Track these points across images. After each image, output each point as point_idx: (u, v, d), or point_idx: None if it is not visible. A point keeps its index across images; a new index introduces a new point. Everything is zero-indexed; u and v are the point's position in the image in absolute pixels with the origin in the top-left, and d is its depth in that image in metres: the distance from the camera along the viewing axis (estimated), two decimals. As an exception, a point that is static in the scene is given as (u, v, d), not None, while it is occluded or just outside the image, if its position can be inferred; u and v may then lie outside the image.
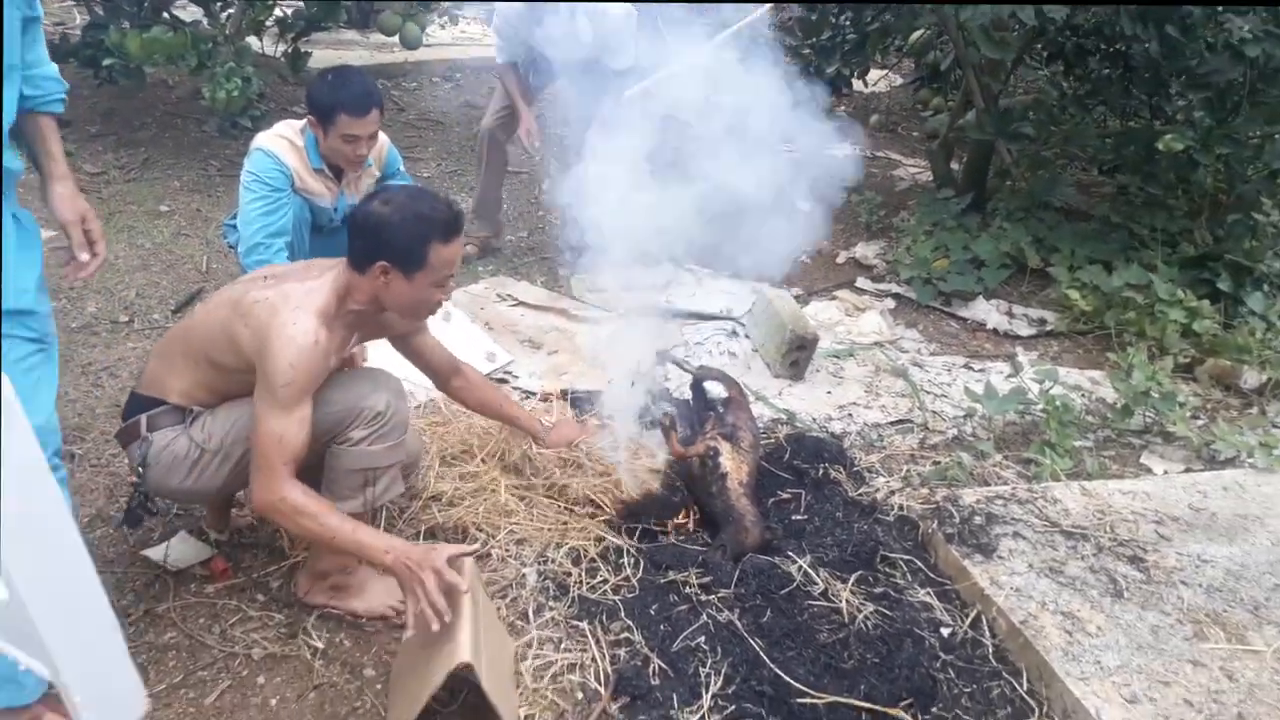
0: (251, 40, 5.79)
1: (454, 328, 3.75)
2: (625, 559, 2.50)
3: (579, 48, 4.19)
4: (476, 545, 2.46)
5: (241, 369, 2.07)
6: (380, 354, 2.81)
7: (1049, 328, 4.30)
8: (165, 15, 5.50)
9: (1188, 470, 3.20)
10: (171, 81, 6.24)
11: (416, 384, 3.16)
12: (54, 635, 0.85)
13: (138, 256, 4.20)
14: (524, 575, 2.44)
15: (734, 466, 2.66)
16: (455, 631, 1.90)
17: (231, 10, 5.56)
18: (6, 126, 1.76)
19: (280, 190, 3.12)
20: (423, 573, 1.91)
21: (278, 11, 5.89)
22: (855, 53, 6.18)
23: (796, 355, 3.62)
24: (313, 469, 2.16)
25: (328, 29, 6.71)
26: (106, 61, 5.03)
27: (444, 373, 2.58)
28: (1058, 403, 3.29)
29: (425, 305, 2.17)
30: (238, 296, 2.12)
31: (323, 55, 6.78)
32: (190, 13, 5.93)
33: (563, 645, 2.23)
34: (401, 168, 3.50)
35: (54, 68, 1.99)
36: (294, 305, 2.03)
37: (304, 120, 3.23)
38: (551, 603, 2.36)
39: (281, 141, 3.16)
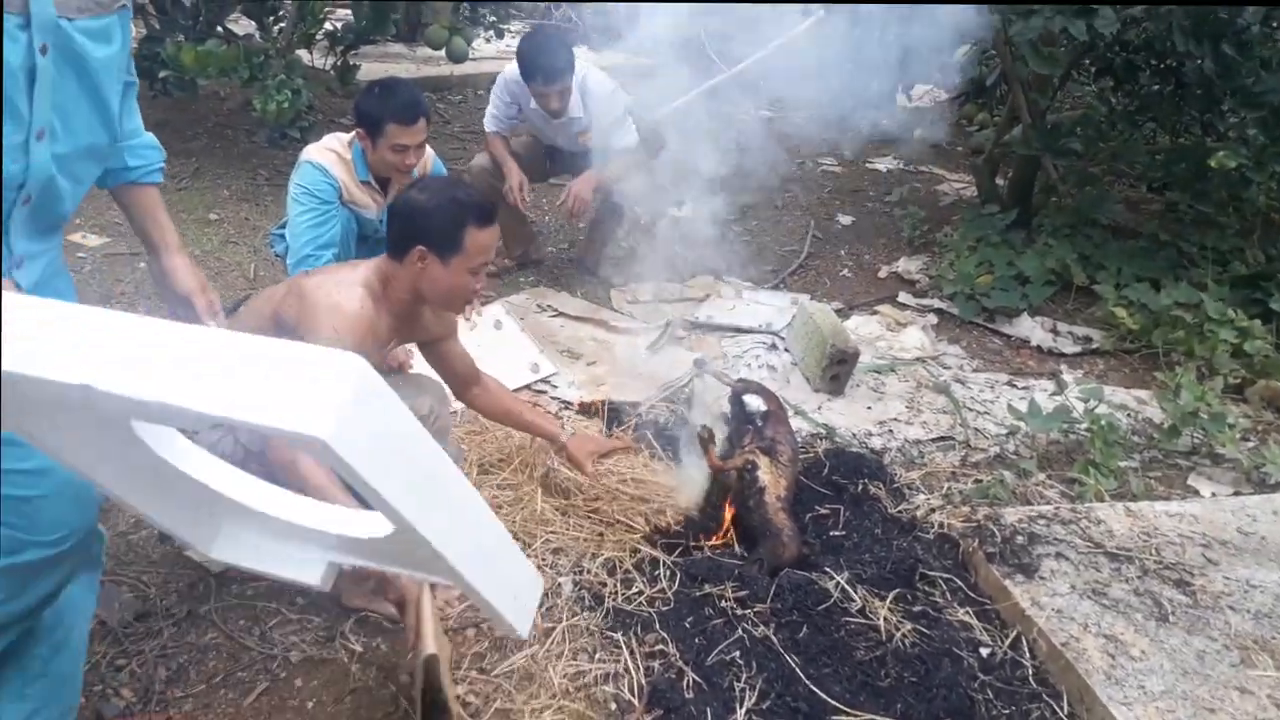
0: (302, 53, 5.89)
1: (505, 335, 3.78)
2: (661, 571, 2.50)
3: (573, 126, 4.23)
4: None
5: None
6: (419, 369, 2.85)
7: (1094, 346, 4.23)
8: (219, 29, 5.63)
9: (1237, 493, 3.13)
10: (224, 93, 6.37)
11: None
12: (462, 561, 0.96)
13: (188, 263, 4.28)
14: (560, 585, 2.44)
15: (772, 481, 2.65)
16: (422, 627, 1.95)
17: (283, 24, 5.67)
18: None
19: (329, 203, 3.17)
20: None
21: (328, 25, 6.00)
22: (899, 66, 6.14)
23: (837, 370, 3.60)
24: None
25: (376, 42, 6.82)
26: (162, 74, 5.15)
27: (465, 381, 2.60)
28: (1103, 422, 3.24)
29: (461, 292, 2.21)
30: (282, 292, 2.17)
31: (371, 68, 6.89)
32: (243, 26, 6.06)
33: (597, 655, 2.24)
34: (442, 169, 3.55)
35: (151, 136, 1.87)
36: (337, 281, 2.12)
37: (351, 134, 3.28)
38: (586, 613, 2.36)
39: (329, 154, 3.21)
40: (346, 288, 2.10)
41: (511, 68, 4.23)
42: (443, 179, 2.23)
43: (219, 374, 0.90)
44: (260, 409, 0.84)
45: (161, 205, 1.91)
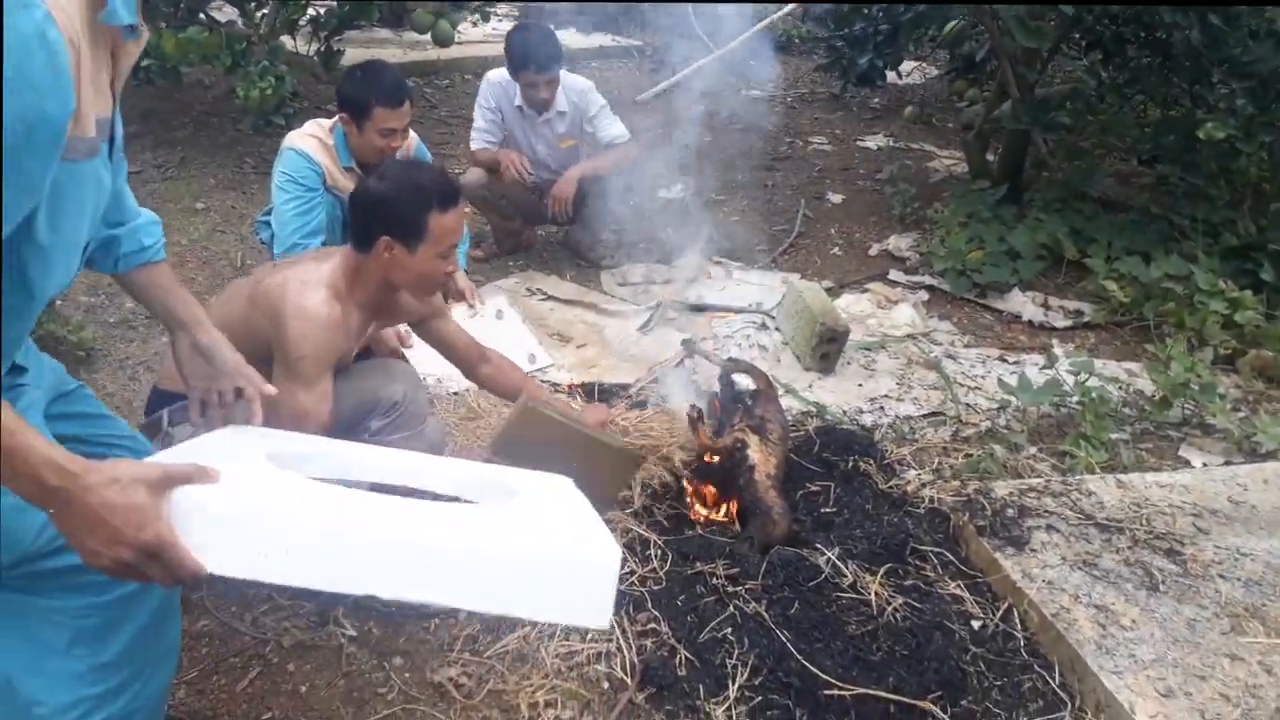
0: (285, 39, 5.84)
1: (506, 325, 3.77)
2: (652, 550, 2.50)
3: (555, 125, 4.25)
4: None
5: (261, 357, 2.09)
6: (420, 355, 2.85)
7: (1086, 319, 4.23)
8: (201, 16, 5.58)
9: (1228, 463, 3.13)
10: (208, 81, 6.33)
11: (448, 378, 3.20)
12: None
13: (174, 253, 4.26)
14: (551, 566, 2.44)
15: (762, 459, 2.64)
16: None
17: (265, 10, 5.62)
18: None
19: (313, 190, 3.15)
20: None
21: (311, 11, 5.95)
22: (888, 44, 6.12)
23: (827, 348, 3.59)
24: None
25: (360, 27, 6.77)
26: (144, 62, 5.10)
27: (471, 360, 2.59)
28: (1094, 395, 3.24)
29: (432, 278, 2.19)
30: (250, 289, 2.15)
31: (356, 54, 6.83)
32: (225, 13, 6.00)
33: (589, 635, 2.23)
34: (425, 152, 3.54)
35: (147, 211, 1.71)
36: (301, 281, 2.08)
37: (333, 119, 3.26)
38: (578, 593, 2.36)
39: (312, 140, 3.19)
40: (311, 289, 2.06)
41: (491, 73, 4.26)
42: (399, 163, 2.19)
43: (493, 571, 1.18)
44: (542, 609, 1.19)
45: (175, 278, 1.76)
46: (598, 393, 3.30)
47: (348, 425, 2.14)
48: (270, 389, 1.77)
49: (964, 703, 2.09)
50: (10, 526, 1.30)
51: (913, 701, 2.06)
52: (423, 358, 2.86)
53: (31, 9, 1.04)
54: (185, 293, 1.75)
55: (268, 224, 3.54)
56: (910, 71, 8.70)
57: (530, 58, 3.95)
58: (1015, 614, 2.35)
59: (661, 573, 2.42)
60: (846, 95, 7.77)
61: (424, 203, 2.07)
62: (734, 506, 2.70)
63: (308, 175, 3.16)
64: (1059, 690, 2.15)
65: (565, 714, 2.05)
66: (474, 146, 4.32)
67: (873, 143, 6.85)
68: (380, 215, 2.08)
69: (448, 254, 2.16)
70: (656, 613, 2.28)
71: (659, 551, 2.49)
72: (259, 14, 5.61)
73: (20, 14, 1.02)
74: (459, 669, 2.16)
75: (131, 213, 1.66)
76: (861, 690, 2.07)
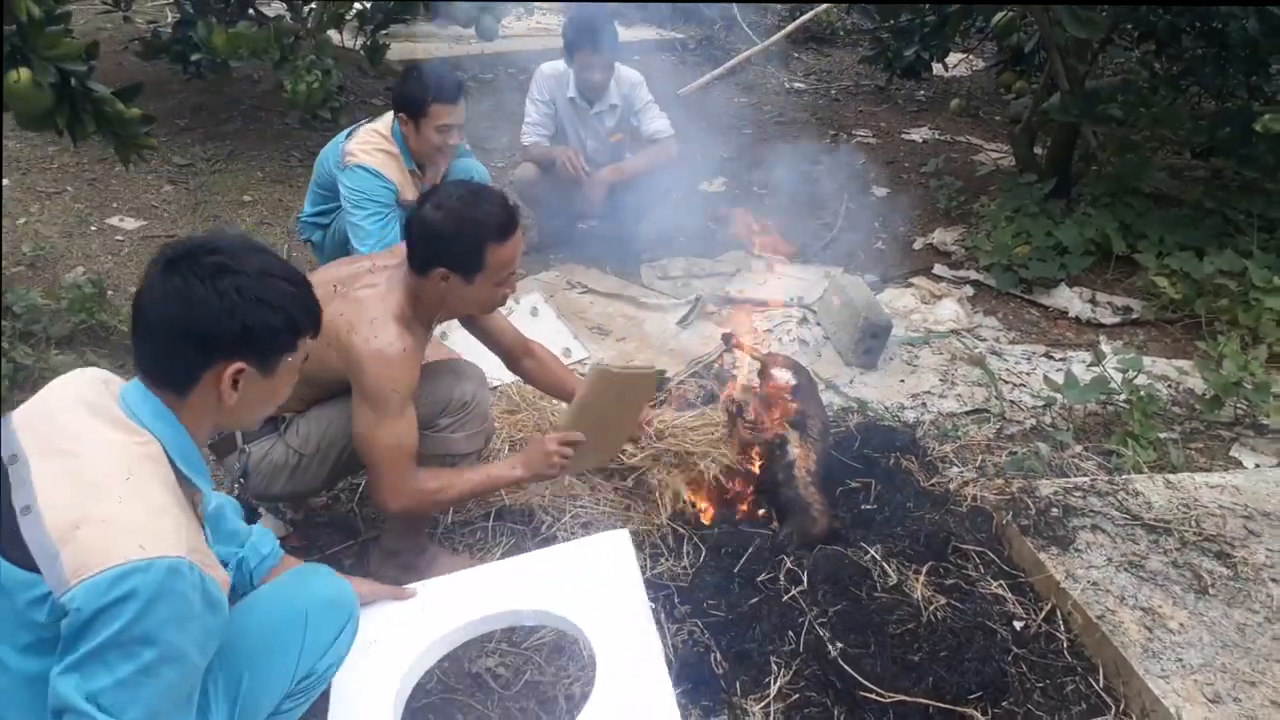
0: (332, 34, 5.89)
1: (541, 321, 3.79)
2: (689, 545, 2.49)
3: (606, 118, 4.25)
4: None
5: (330, 380, 2.13)
6: (458, 340, 2.86)
7: (1134, 316, 4.15)
8: (250, 11, 5.65)
9: (1281, 464, 3.06)
10: (256, 76, 6.41)
11: (487, 372, 3.21)
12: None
13: (222, 245, 4.33)
14: (589, 559, 2.45)
15: (802, 455, 2.63)
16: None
17: (313, 5, 5.68)
18: None
19: (389, 206, 3.18)
20: (549, 459, 2.24)
21: (357, 5, 6.00)
22: (934, 35, 6.03)
23: (869, 343, 3.56)
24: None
25: (406, 22, 6.81)
26: (194, 57, 5.19)
27: (515, 353, 2.59)
28: (1142, 393, 3.18)
29: (490, 302, 2.21)
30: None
31: (401, 48, 6.89)
32: (274, 8, 6.08)
33: (626, 629, 2.24)
34: (465, 147, 3.56)
35: (258, 527, 1.89)
36: (370, 318, 2.05)
37: (388, 123, 3.26)
38: (616, 587, 2.36)
39: (379, 155, 3.18)
40: (380, 327, 2.04)
41: (544, 66, 4.27)
42: (459, 191, 2.13)
43: None
44: None
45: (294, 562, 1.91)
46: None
47: (421, 427, 2.15)
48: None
49: (1005, 704, 2.07)
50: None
51: (950, 706, 2.03)
52: (462, 350, 2.88)
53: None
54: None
55: (313, 225, 3.55)
56: (956, 64, 8.57)
57: (587, 36, 3.97)
58: (1059, 615, 2.32)
59: (698, 567, 2.41)
60: (891, 88, 7.67)
61: (482, 237, 2.05)
62: (773, 503, 2.69)
63: (381, 194, 3.16)
64: (1103, 694, 2.12)
65: (602, 707, 2.05)
66: (526, 140, 4.28)
67: (918, 136, 6.77)
68: (437, 248, 2.05)
69: (505, 280, 2.15)
70: (693, 607, 2.28)
71: (696, 548, 2.48)
72: (307, 9, 5.67)
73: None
74: (497, 659, 2.17)
75: (244, 533, 1.83)
76: (902, 697, 2.04)
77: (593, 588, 1.92)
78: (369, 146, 3.20)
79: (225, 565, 1.69)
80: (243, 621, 1.56)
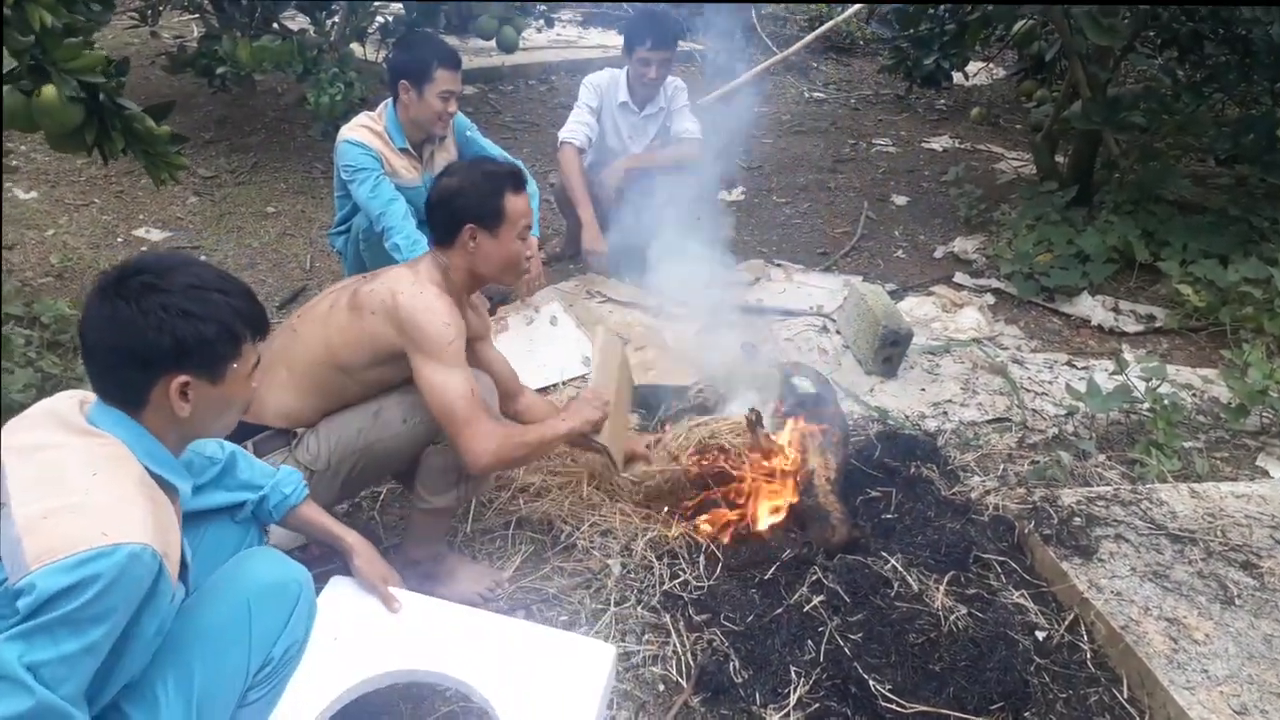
0: (354, 47, 5.96)
1: (559, 331, 3.80)
2: (709, 553, 2.49)
3: (652, 124, 4.27)
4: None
5: (379, 359, 2.17)
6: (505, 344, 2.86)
7: (1158, 324, 4.11)
8: (274, 25, 5.72)
9: (1309, 474, 3.02)
10: (280, 89, 6.48)
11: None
12: None
13: (245, 256, 4.38)
14: (608, 566, 2.45)
15: (821, 464, 2.62)
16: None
17: (336, 19, 5.74)
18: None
19: (376, 170, 3.28)
20: (590, 404, 2.40)
21: (379, 19, 6.06)
22: (954, 44, 6.01)
23: (890, 351, 3.55)
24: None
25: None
26: (220, 70, 5.27)
27: (509, 391, 2.62)
28: (1166, 401, 3.15)
29: (516, 260, 2.29)
30: (347, 300, 2.20)
31: (422, 60, 6.95)
32: (298, 22, 6.15)
33: (645, 637, 2.24)
34: (471, 131, 3.63)
35: (280, 467, 1.97)
36: (410, 283, 2.17)
37: (380, 105, 3.37)
38: (634, 594, 2.37)
39: (362, 130, 3.32)
40: (422, 286, 2.16)
41: (591, 75, 4.29)
42: (462, 161, 2.30)
43: None
44: None
45: (321, 511, 1.99)
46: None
47: (429, 439, 2.20)
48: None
49: (1027, 715, 2.05)
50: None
51: (972, 717, 2.02)
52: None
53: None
54: (330, 522, 1.98)
55: (338, 234, 3.63)
56: (976, 72, 8.56)
57: (649, 31, 4.01)
58: (1082, 625, 2.30)
59: (718, 575, 2.41)
60: (911, 96, 7.66)
61: (498, 186, 2.20)
62: (792, 511, 2.68)
63: (366, 160, 3.27)
64: (1127, 705, 2.10)
65: (620, 714, 2.05)
66: (564, 138, 4.20)
67: (938, 144, 6.75)
68: (459, 206, 2.19)
69: (524, 234, 2.27)
70: (713, 616, 2.27)
71: (715, 554, 2.48)
72: (329, 22, 5.74)
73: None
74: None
75: (267, 473, 1.90)
76: (922, 707, 2.03)
77: (541, 685, 1.77)
78: (354, 125, 3.36)
79: (244, 505, 1.86)
80: (190, 617, 1.59)
